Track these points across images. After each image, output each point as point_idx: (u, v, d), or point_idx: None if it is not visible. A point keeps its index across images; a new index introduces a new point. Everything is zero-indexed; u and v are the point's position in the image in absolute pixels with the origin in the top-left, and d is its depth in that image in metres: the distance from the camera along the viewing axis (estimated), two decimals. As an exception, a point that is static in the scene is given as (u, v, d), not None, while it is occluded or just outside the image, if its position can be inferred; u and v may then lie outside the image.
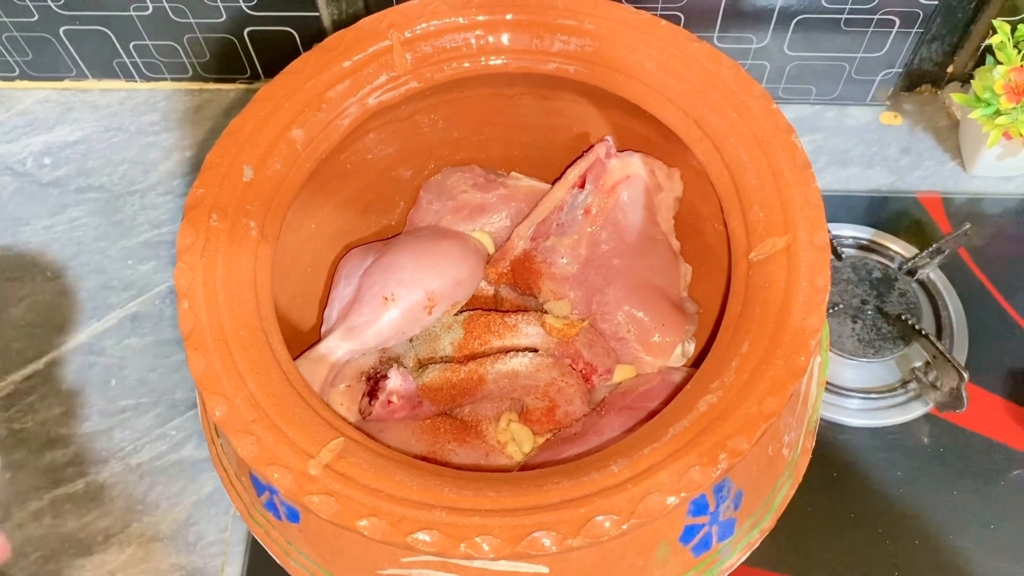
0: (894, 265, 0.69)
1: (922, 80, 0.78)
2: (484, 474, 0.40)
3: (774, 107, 0.47)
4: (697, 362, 0.55)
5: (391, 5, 0.53)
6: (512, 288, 0.59)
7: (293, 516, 0.43)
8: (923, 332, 0.62)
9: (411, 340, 0.56)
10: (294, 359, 0.51)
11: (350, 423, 0.49)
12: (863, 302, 0.66)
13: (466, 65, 0.52)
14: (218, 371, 0.40)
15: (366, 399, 0.52)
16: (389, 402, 0.51)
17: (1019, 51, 0.66)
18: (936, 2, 0.68)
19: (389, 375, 0.52)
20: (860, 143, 0.77)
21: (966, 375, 0.59)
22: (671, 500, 0.37)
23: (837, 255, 0.68)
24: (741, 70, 0.48)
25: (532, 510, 0.37)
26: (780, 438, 0.45)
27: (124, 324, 0.69)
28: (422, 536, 0.36)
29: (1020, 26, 0.66)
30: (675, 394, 0.50)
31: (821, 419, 0.63)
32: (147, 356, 0.68)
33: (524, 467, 0.51)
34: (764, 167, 0.45)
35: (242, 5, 0.71)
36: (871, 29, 0.71)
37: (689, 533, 0.42)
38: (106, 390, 0.66)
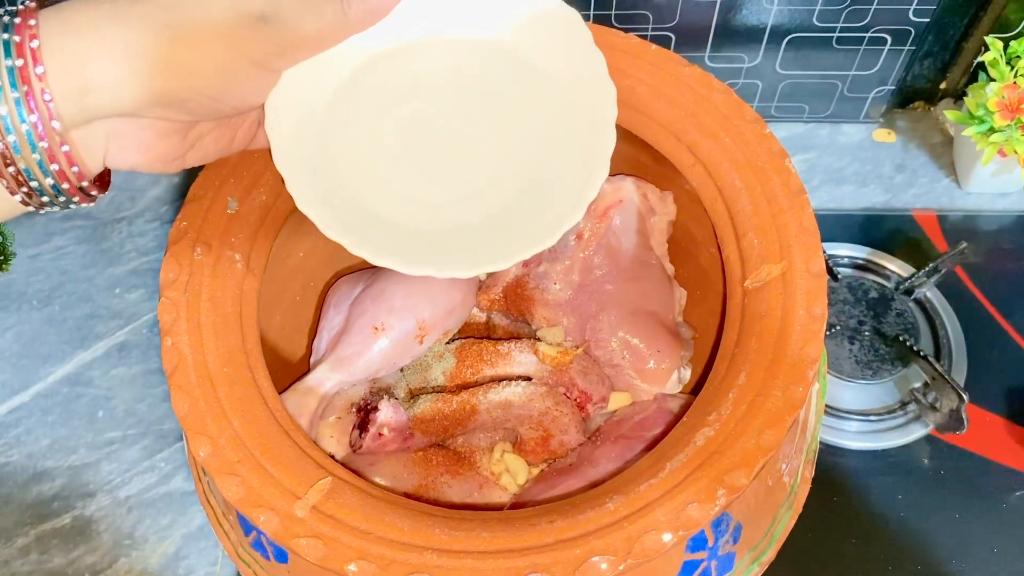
0: (891, 285, 0.68)
1: (915, 97, 0.78)
2: (477, 513, 0.39)
3: (767, 131, 0.46)
4: (694, 389, 0.54)
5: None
6: (504, 315, 0.58)
7: (281, 556, 0.42)
8: (921, 353, 0.61)
9: (402, 370, 0.55)
10: (282, 391, 0.50)
11: (338, 460, 0.49)
12: (860, 323, 0.66)
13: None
14: (202, 410, 0.39)
15: (356, 431, 0.51)
16: (380, 434, 0.50)
17: (1012, 68, 0.65)
18: (928, 19, 0.68)
19: (380, 407, 0.51)
20: (854, 161, 0.76)
21: (966, 396, 0.58)
22: (668, 538, 0.36)
23: (833, 275, 0.67)
24: (733, 94, 0.48)
25: (526, 551, 0.36)
26: (779, 469, 0.44)
27: (111, 354, 0.68)
28: (413, 580, 0.35)
29: (1012, 43, 0.66)
30: (672, 422, 0.49)
31: (819, 442, 0.62)
32: (135, 386, 0.67)
33: (518, 499, 0.50)
34: (758, 193, 0.45)
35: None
36: (863, 47, 0.70)
37: (687, 570, 0.41)
38: (93, 422, 0.65)
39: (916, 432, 0.63)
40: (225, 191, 0.45)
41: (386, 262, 0.35)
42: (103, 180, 0.34)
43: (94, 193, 0.33)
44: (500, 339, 0.56)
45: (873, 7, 0.67)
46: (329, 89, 0.36)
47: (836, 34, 0.69)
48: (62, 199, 0.32)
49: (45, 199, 0.32)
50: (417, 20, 0.37)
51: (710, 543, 0.41)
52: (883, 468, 0.62)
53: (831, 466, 0.61)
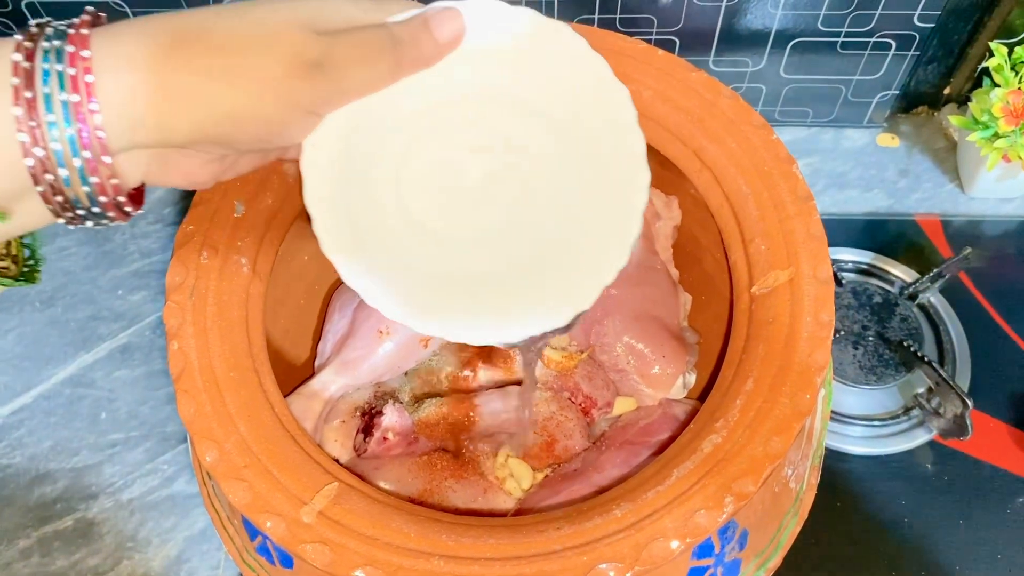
0: (894, 290, 0.68)
1: (919, 102, 0.78)
2: (483, 519, 0.39)
3: (774, 137, 0.46)
4: (699, 394, 0.54)
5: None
6: (509, 319, 0.58)
7: (287, 562, 0.42)
8: (925, 359, 0.61)
9: (406, 374, 0.55)
10: (287, 395, 0.50)
11: (344, 464, 0.49)
12: (864, 328, 0.66)
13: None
14: (208, 414, 0.39)
15: (361, 435, 0.51)
16: (384, 439, 0.50)
17: (1016, 73, 0.65)
18: (932, 24, 0.68)
19: (384, 411, 0.51)
20: (857, 165, 0.76)
21: (970, 402, 0.58)
22: (676, 545, 0.36)
23: (837, 280, 0.67)
24: (740, 99, 0.48)
25: (533, 558, 0.36)
26: (785, 475, 0.44)
27: (114, 355, 0.68)
28: (420, 586, 0.35)
29: (1017, 48, 0.66)
30: (676, 427, 0.49)
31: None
32: (138, 388, 0.67)
33: (523, 504, 0.50)
34: (765, 198, 0.44)
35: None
36: (867, 52, 0.70)
37: (694, 576, 0.41)
38: (96, 423, 0.65)
39: (920, 438, 0.63)
40: (231, 195, 0.45)
41: (426, 327, 0.34)
42: (137, 197, 0.34)
43: (129, 210, 0.32)
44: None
45: (878, 12, 0.67)
46: (368, 130, 0.36)
47: (840, 39, 0.69)
48: (97, 210, 0.31)
49: (81, 212, 0.31)
50: (452, 67, 0.37)
51: (716, 550, 0.41)
52: (886, 473, 0.62)
53: (835, 471, 0.61)
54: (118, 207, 0.32)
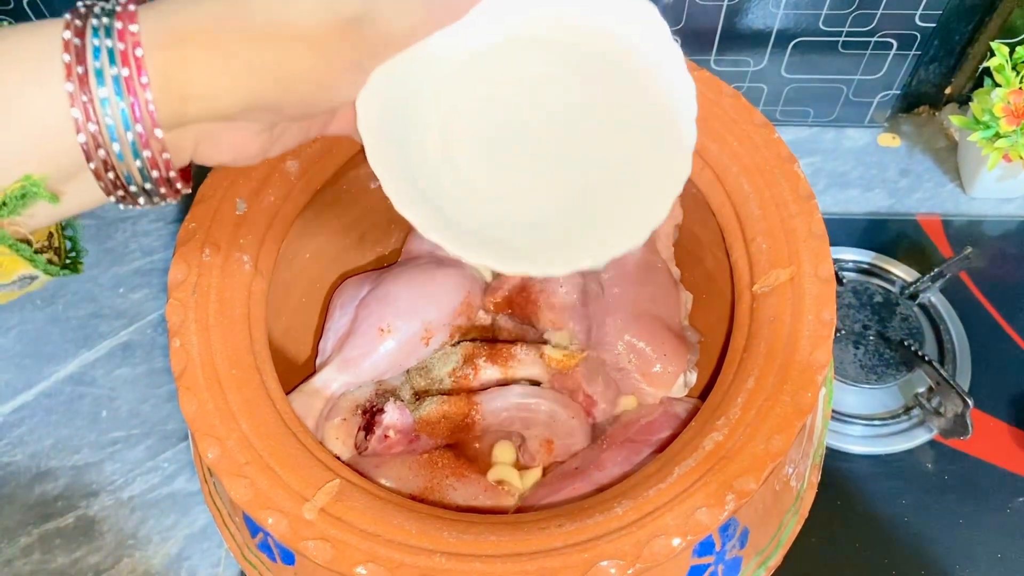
0: (895, 289, 0.68)
1: (920, 102, 0.78)
2: (485, 516, 0.39)
3: (776, 136, 0.46)
4: (700, 393, 0.54)
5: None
6: (510, 318, 0.58)
7: (288, 558, 0.42)
8: (926, 358, 0.61)
9: (408, 372, 0.55)
10: (288, 393, 0.50)
11: (345, 461, 0.49)
12: (865, 327, 0.66)
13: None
14: (211, 412, 0.39)
15: (362, 433, 0.51)
16: (386, 436, 0.50)
17: (1018, 73, 0.65)
18: (934, 24, 0.68)
19: (385, 409, 0.51)
20: (858, 165, 0.76)
21: (970, 402, 0.58)
22: (677, 543, 0.36)
23: (838, 280, 0.67)
24: (741, 98, 0.48)
25: (534, 555, 0.36)
26: (786, 473, 0.44)
27: (115, 353, 0.68)
28: (421, 583, 0.35)
29: (1018, 48, 0.66)
30: (678, 425, 0.49)
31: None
32: (138, 386, 0.67)
33: (524, 502, 0.50)
34: (767, 197, 0.44)
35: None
36: (869, 51, 0.70)
37: (694, 574, 0.41)
38: (97, 421, 0.65)
39: (920, 437, 0.63)
40: (233, 192, 0.45)
41: (488, 261, 0.34)
42: (186, 175, 0.34)
43: (179, 187, 0.33)
44: (506, 342, 0.56)
45: (879, 12, 0.67)
46: (417, 84, 0.36)
47: (842, 38, 0.69)
48: (148, 186, 0.32)
49: (133, 189, 0.31)
50: (508, 16, 0.37)
51: (717, 548, 0.41)
52: (887, 473, 0.62)
53: (835, 470, 0.61)
54: (169, 183, 0.32)
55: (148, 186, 0.31)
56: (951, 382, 0.60)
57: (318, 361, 0.55)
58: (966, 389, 0.63)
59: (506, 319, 0.58)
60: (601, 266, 0.36)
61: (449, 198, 0.36)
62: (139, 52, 0.29)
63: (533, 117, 0.37)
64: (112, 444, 0.64)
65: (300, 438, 0.40)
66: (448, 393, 0.54)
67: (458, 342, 0.56)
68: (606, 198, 0.36)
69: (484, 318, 0.59)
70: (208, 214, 0.45)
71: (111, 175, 0.30)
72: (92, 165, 0.30)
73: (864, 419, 0.63)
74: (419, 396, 0.55)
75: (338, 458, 0.43)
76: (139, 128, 0.30)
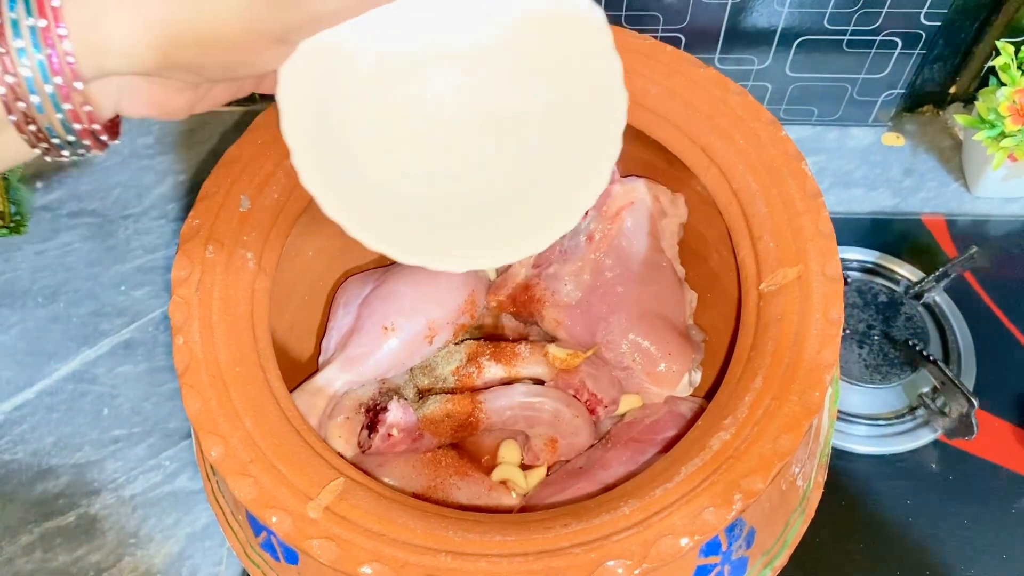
0: (900, 289, 0.68)
1: (924, 101, 0.78)
2: (491, 515, 0.39)
3: (783, 134, 0.46)
4: (705, 393, 0.54)
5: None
6: (514, 316, 0.58)
7: (292, 557, 0.42)
8: (931, 358, 0.61)
9: (411, 370, 0.55)
10: (291, 391, 0.50)
11: (349, 460, 0.48)
12: (869, 327, 0.66)
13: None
14: (214, 410, 0.39)
15: (365, 432, 0.51)
16: (389, 435, 0.50)
17: (1023, 73, 0.65)
18: (938, 23, 0.68)
19: (389, 407, 0.50)
20: (863, 164, 0.76)
21: (975, 402, 0.58)
22: (684, 543, 0.36)
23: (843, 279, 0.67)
24: (749, 96, 0.47)
25: (540, 554, 0.36)
26: (793, 473, 0.44)
27: (117, 351, 0.68)
28: (427, 583, 0.35)
29: (1024, 48, 0.66)
30: (682, 425, 0.49)
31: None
32: (140, 384, 0.66)
33: (528, 501, 0.50)
34: (774, 195, 0.44)
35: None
36: (873, 50, 0.70)
37: (700, 574, 0.41)
38: (98, 419, 0.65)
39: (925, 437, 0.62)
40: (237, 189, 0.45)
41: (387, 249, 0.34)
42: (113, 128, 0.34)
43: (104, 138, 0.32)
44: (510, 340, 0.56)
45: (884, 10, 0.67)
46: (346, 62, 0.35)
47: (847, 37, 0.69)
48: (72, 139, 0.31)
49: (56, 141, 0.31)
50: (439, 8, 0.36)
51: (724, 548, 0.41)
52: (891, 473, 0.61)
53: (840, 470, 0.61)
54: (94, 136, 0.32)
55: (72, 139, 0.31)
56: (956, 382, 0.59)
57: (321, 359, 0.54)
58: (971, 389, 0.63)
59: (510, 317, 0.58)
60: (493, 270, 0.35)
61: (360, 184, 0.35)
62: (56, 2, 0.29)
63: (454, 109, 0.36)
64: (114, 442, 0.64)
65: (304, 436, 0.40)
66: (452, 392, 0.54)
67: (462, 340, 0.56)
68: (532, 185, 0.36)
69: (488, 317, 0.59)
70: (212, 211, 0.44)
71: (32, 127, 0.30)
72: (13, 118, 0.30)
73: (869, 419, 0.63)
74: (423, 394, 0.54)
75: (342, 456, 0.43)
76: (58, 80, 0.29)
